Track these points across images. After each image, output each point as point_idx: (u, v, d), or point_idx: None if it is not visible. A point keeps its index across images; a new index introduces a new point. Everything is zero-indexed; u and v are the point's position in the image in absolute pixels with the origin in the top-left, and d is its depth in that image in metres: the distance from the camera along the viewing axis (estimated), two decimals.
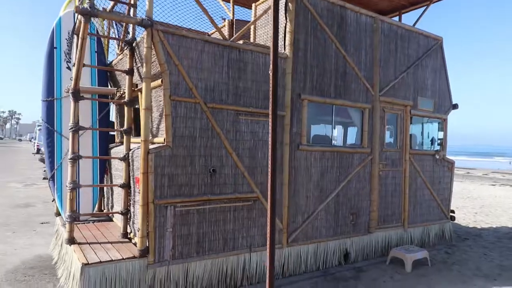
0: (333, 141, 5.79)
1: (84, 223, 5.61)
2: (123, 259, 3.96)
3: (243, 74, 4.78)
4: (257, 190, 4.87)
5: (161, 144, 4.23)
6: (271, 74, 2.72)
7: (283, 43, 5.25)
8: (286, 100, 5.16)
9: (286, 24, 5.22)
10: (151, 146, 4.20)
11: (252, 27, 5.86)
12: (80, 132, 5.87)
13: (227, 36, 6.40)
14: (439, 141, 7.33)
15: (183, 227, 4.31)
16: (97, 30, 5.94)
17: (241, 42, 4.91)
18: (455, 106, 7.63)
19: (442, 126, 7.47)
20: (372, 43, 6.21)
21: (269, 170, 2.72)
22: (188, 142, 4.36)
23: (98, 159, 5.67)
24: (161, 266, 4.16)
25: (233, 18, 7.00)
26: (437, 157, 7.19)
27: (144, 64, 4.11)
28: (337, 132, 6.68)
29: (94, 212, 5.80)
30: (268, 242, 2.68)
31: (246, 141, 4.81)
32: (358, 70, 5.99)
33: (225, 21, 6.91)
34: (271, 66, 2.66)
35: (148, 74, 4.12)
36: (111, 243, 4.53)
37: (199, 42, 4.44)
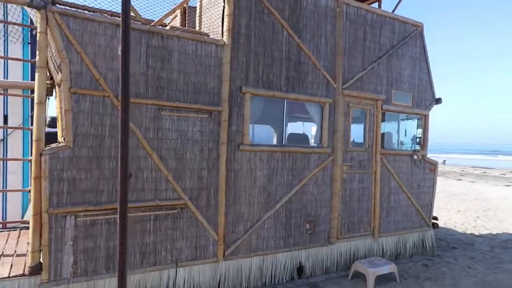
0: (284, 140, 5.11)
1: (10, 230, 5.12)
2: (8, 277, 3.42)
3: (167, 63, 4.16)
4: (185, 197, 4.26)
5: (59, 145, 3.66)
6: (120, 53, 2.10)
7: (220, 28, 4.61)
8: (224, 93, 4.52)
9: (224, 6, 4.58)
10: (46, 148, 3.63)
11: (198, 11, 5.25)
12: (9, 131, 5.40)
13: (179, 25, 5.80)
14: (418, 140, 6.57)
15: (87, 240, 3.74)
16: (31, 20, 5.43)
17: (168, 27, 4.30)
18: (438, 101, 6.85)
19: (423, 123, 6.69)
20: (334, 30, 5.51)
21: (120, 175, 2.11)
22: (95, 141, 3.77)
23: (29, 161, 5.16)
24: (58, 285, 3.60)
25: (187, 4, 6.37)
26: (415, 157, 6.43)
27: (37, 52, 3.54)
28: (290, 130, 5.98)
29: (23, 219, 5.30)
30: (117, 264, 2.08)
31: (171, 140, 4.20)
32: (316, 60, 5.30)
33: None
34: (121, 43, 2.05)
35: (42, 63, 3.55)
36: (14, 256, 4.00)
37: (109, 26, 3.84)
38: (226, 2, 4.55)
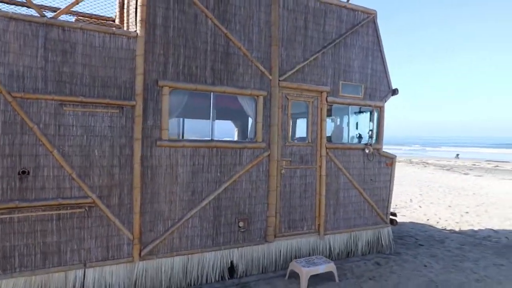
0: (213, 135, 4.90)
1: None
2: None
3: (69, 57, 4.01)
4: (92, 195, 4.11)
5: None
6: None
7: (134, 19, 4.42)
8: (137, 87, 4.34)
9: None
10: None
11: (119, 2, 5.08)
12: None
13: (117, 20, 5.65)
14: (369, 133, 6.25)
15: None
16: None
17: (73, 19, 4.14)
18: (394, 92, 6.51)
19: (378, 115, 6.37)
20: (269, 19, 5.25)
21: None
22: None
23: None
24: None
25: None
26: (367, 151, 6.12)
27: None
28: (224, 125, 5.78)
29: None
30: None
31: (76, 137, 4.05)
32: (248, 51, 5.06)
33: None
34: None
35: None
36: None
37: (1, 19, 3.70)
38: None
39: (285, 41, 5.38)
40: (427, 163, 30.87)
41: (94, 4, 5.62)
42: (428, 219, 9.97)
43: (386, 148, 7.89)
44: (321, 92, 5.69)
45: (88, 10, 5.70)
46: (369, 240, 6.25)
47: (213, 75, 4.84)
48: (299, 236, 5.53)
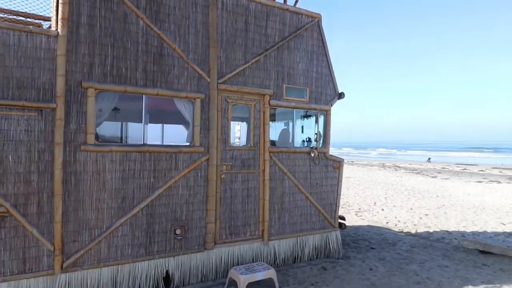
0: (144, 139, 4.72)
1: None
2: None
3: None
4: (6, 204, 3.83)
5: None
6: None
7: (55, 17, 4.21)
8: (58, 89, 4.11)
9: None
10: None
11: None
12: None
13: None
14: (315, 136, 6.22)
15: None
16: None
17: None
18: (340, 95, 6.53)
19: (325, 119, 6.36)
20: (206, 20, 5.15)
21: None
22: None
23: None
24: None
25: None
26: (312, 155, 6.08)
27: None
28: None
29: None
30: None
31: None
32: (183, 53, 4.92)
33: None
34: None
35: None
36: None
37: None
38: None
39: (224, 42, 5.29)
40: (399, 167, 31.51)
41: (31, 4, 5.36)
42: (387, 222, 10.07)
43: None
44: (263, 95, 5.62)
45: (25, 9, 5.43)
46: (316, 244, 6.19)
47: (145, 77, 4.67)
48: (241, 243, 5.39)
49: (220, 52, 5.24)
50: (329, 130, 6.38)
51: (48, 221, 4.05)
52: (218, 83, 5.18)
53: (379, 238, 8.07)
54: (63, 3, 4.16)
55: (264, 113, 5.63)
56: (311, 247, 6.11)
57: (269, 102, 5.64)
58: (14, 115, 3.90)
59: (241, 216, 5.42)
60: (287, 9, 5.91)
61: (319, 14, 6.29)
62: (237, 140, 7.15)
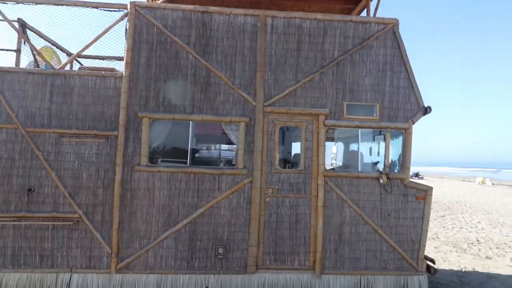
0: (189, 161, 5.15)
1: None
2: None
3: (68, 98, 5.01)
4: (79, 211, 4.90)
5: None
6: None
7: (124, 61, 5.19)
8: (121, 120, 5.03)
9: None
10: None
11: None
12: None
13: None
14: (384, 160, 5.32)
15: None
16: None
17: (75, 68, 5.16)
18: (426, 110, 5.42)
19: (403, 139, 5.40)
20: (254, 46, 5.28)
21: None
22: (7, 163, 4.89)
23: None
24: None
25: None
26: (381, 181, 5.23)
27: None
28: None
29: None
30: None
31: (69, 162, 4.96)
32: (229, 79, 5.19)
33: None
34: None
35: None
36: None
37: (22, 74, 4.99)
38: (126, 38, 5.13)
39: (273, 65, 5.28)
40: None
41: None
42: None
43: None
44: (317, 115, 5.27)
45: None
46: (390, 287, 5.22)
47: (193, 105, 5.15)
48: (288, 271, 5.11)
49: (267, 75, 5.26)
50: (409, 151, 5.37)
51: (108, 228, 4.94)
52: (264, 105, 5.19)
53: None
54: (127, 50, 5.10)
55: (318, 134, 5.26)
56: None
57: (324, 123, 5.24)
58: (89, 142, 5.00)
59: (288, 243, 5.16)
60: (349, 21, 5.42)
61: (395, 19, 5.48)
62: (333, 161, 6.83)
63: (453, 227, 12.00)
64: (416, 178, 40.23)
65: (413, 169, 57.86)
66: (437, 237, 10.33)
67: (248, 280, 5.06)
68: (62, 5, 5.20)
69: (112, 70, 5.44)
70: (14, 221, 4.84)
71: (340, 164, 6.30)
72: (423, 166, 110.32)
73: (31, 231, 4.87)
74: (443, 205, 18.13)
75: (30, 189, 4.88)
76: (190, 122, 5.15)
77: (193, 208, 5.06)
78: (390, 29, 5.47)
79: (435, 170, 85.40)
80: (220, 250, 5.05)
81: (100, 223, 4.94)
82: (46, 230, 4.89)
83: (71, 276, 4.87)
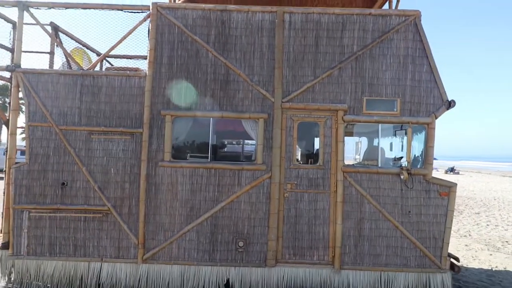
0: (210, 157, 5.31)
1: None
2: None
3: (96, 97, 5.31)
4: (108, 204, 5.20)
5: (22, 162, 5.32)
6: None
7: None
8: (145, 117, 5.27)
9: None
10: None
11: None
12: None
13: None
14: (410, 155, 5.22)
15: (36, 230, 5.21)
16: None
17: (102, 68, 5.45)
18: (450, 104, 5.27)
19: (426, 134, 5.29)
20: (272, 42, 5.34)
21: None
22: (43, 159, 5.26)
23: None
24: (18, 259, 5.19)
25: None
26: (402, 177, 5.16)
27: (11, 98, 5.36)
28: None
29: None
30: None
31: (98, 158, 5.27)
32: (248, 77, 5.29)
33: None
34: None
35: (14, 106, 5.35)
36: None
37: (55, 75, 5.33)
38: (149, 38, 5.35)
39: (291, 61, 5.32)
40: None
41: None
42: None
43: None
44: (336, 110, 5.26)
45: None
46: (410, 285, 5.16)
47: (213, 102, 5.30)
48: (307, 265, 5.18)
49: (286, 71, 5.31)
50: (432, 147, 5.25)
51: (135, 220, 5.21)
52: (282, 102, 5.26)
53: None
54: (150, 50, 5.32)
55: (337, 130, 5.26)
56: (401, 287, 5.16)
57: (342, 118, 5.23)
58: (116, 138, 5.27)
59: (307, 237, 5.22)
60: (369, 14, 5.35)
61: (417, 11, 5.35)
62: (357, 156, 6.81)
63: (487, 225, 11.53)
64: (452, 173, 38.76)
65: (448, 164, 56.31)
66: (469, 235, 9.98)
67: (268, 273, 5.18)
68: (90, 8, 5.49)
69: (137, 69, 5.68)
70: (50, 213, 5.22)
71: (361, 159, 6.26)
72: (459, 160, 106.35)
73: (65, 222, 5.23)
74: (479, 201, 17.38)
75: (63, 183, 5.24)
76: (211, 119, 5.31)
77: (214, 203, 5.23)
78: (412, 21, 5.34)
79: (472, 164, 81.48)
80: (241, 244, 5.20)
81: (127, 215, 5.22)
82: (78, 222, 5.23)
83: (101, 265, 5.20)
